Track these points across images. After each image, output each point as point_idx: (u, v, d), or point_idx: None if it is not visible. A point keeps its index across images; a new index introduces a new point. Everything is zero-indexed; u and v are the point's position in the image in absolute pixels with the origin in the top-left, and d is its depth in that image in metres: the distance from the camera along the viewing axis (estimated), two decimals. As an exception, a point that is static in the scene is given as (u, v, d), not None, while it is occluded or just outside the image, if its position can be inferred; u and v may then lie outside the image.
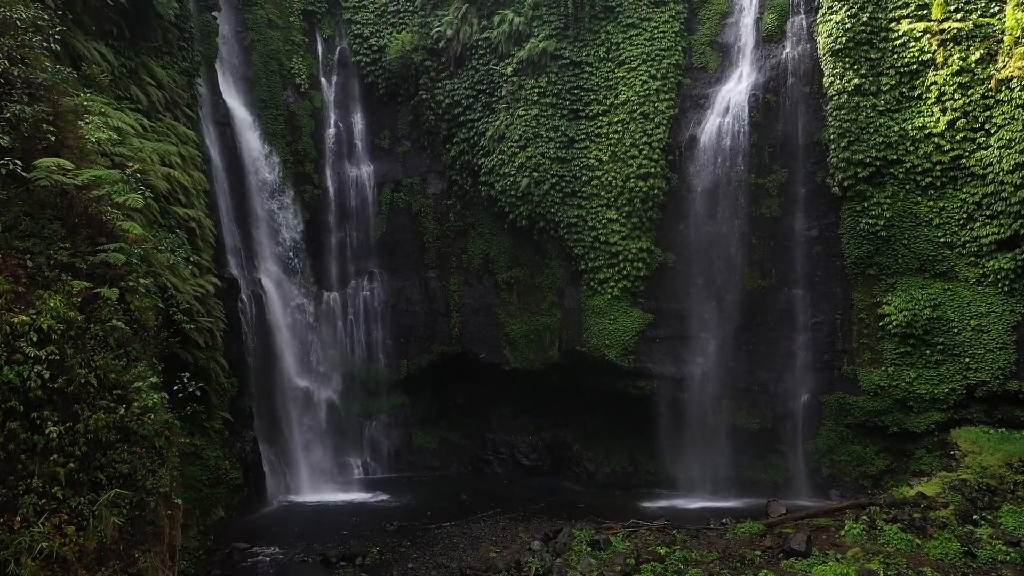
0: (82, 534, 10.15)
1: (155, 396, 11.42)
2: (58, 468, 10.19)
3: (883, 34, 27.98)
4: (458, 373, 35.18)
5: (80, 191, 11.68)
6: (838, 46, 28.33)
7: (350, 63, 36.08)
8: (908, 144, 27.42)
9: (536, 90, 32.31)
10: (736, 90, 30.47)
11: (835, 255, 29.04)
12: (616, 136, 31.37)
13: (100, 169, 12.19)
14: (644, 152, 30.81)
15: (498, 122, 32.86)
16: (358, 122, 36.30)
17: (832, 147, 28.47)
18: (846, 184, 28.21)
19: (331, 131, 35.71)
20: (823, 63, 28.92)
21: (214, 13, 30.84)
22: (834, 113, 28.41)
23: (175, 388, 13.60)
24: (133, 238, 12.82)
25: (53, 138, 11.77)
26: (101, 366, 11.06)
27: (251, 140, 31.70)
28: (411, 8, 35.55)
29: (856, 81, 27.99)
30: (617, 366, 31.13)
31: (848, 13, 28.24)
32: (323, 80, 35.91)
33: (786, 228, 29.74)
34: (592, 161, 31.53)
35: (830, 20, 28.70)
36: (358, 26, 35.86)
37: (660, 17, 31.85)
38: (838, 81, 28.37)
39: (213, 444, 24.80)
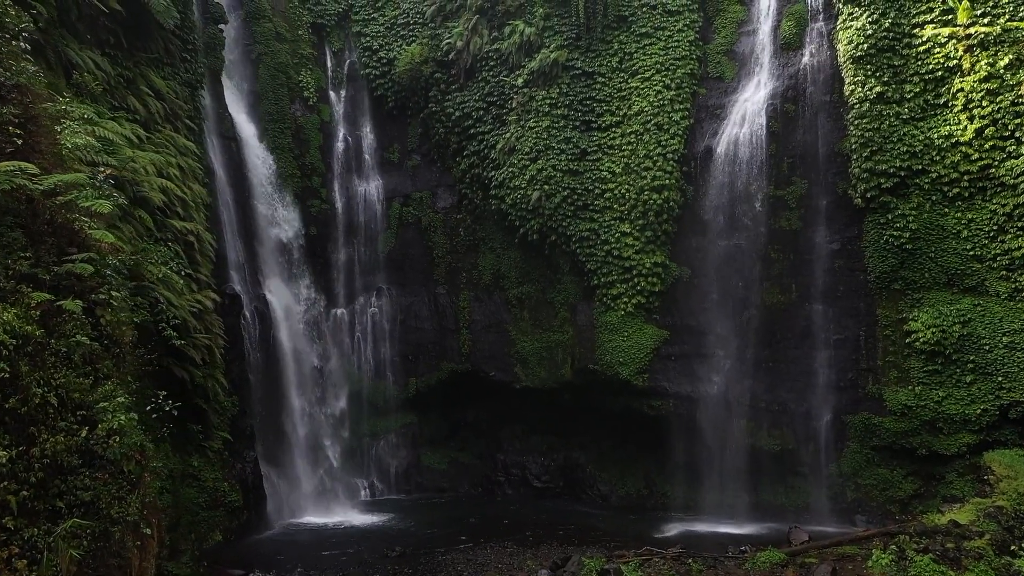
0: (35, 569, 9.30)
1: (122, 417, 10.60)
2: (9, 496, 9.36)
3: (906, 40, 26.97)
4: (468, 391, 34.24)
5: (46, 197, 10.95)
6: (859, 53, 27.36)
7: (359, 76, 35.57)
8: (934, 153, 26.32)
9: (547, 101, 31.56)
10: (753, 99, 29.53)
11: (858, 269, 27.88)
12: (629, 148, 30.50)
13: (67, 174, 11.47)
14: (658, 164, 29.90)
15: (508, 134, 32.12)
16: (367, 135, 35.72)
17: (854, 157, 27.43)
18: (869, 195, 27.12)
19: (340, 145, 35.15)
20: (844, 71, 27.96)
21: (220, 26, 30.46)
22: (856, 122, 27.39)
23: (151, 407, 12.72)
24: (106, 247, 12.06)
25: (20, 142, 11.06)
26: (63, 384, 10.27)
27: (257, 154, 31.16)
28: (421, 20, 35.04)
29: (878, 89, 26.98)
30: (631, 385, 30.07)
31: (869, 19, 27.29)
32: (332, 93, 35.41)
33: (806, 241, 28.64)
34: (605, 173, 30.67)
35: (851, 26, 27.76)
36: (367, 39, 35.38)
37: (674, 26, 31.04)
38: (860, 89, 27.38)
39: (212, 465, 24.05)
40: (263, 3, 33.44)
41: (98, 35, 20.79)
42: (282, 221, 31.76)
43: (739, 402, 29.20)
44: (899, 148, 26.70)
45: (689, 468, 30.25)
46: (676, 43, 30.83)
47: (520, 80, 32.05)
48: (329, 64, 35.56)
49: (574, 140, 31.24)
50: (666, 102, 30.28)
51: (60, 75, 18.77)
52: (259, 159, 31.22)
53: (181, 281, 20.37)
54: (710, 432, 29.67)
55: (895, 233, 26.80)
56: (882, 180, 26.88)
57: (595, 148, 31.08)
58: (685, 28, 30.92)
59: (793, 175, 28.88)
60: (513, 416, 34.20)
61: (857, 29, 27.51)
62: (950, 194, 26.21)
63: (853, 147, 27.49)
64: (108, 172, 12.95)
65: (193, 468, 23.13)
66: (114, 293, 11.71)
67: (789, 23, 29.57)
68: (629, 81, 31.10)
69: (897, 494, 26.95)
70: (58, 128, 12.81)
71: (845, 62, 27.87)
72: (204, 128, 28.00)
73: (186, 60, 26.13)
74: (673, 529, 27.55)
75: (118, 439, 10.51)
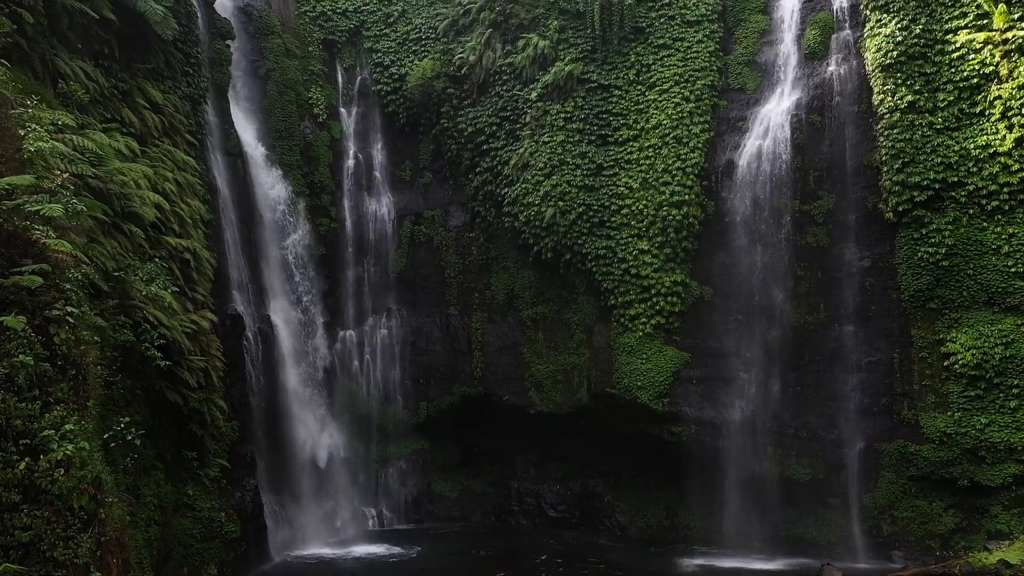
0: (-43, 622, 8.17)
1: (70, 446, 9.48)
2: (-70, 538, 8.27)
3: (938, 47, 25.68)
4: (480, 416, 32.97)
5: (-6, 203, 9.96)
6: (888, 61, 26.11)
7: (371, 93, 34.82)
8: (970, 165, 24.89)
9: (562, 115, 30.53)
10: (777, 111, 28.31)
11: (891, 287, 26.37)
12: (647, 162, 29.34)
13: (15, 176, 10.49)
14: (677, 178, 28.69)
15: (522, 150, 31.09)
16: (378, 153, 34.88)
17: (884, 169, 26.07)
18: (901, 209, 25.70)
19: (350, 162, 34.31)
20: (872, 80, 26.69)
21: (228, 42, 29.84)
22: (886, 133, 26.08)
23: (109, 435, 11.60)
24: (66, 259, 11.03)
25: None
26: (1, 410, 9.17)
27: (264, 171, 30.36)
28: (433, 36, 34.31)
29: (910, 98, 25.66)
30: (650, 409, 28.66)
31: (899, 25, 26.05)
32: (343, 110, 34.66)
33: (835, 258, 27.23)
34: (622, 189, 29.52)
35: (879, 33, 26.53)
36: (379, 55, 34.67)
37: (693, 37, 29.98)
38: (889, 98, 26.09)
39: (208, 494, 22.87)
40: (272, 20, 32.84)
41: (91, 45, 20.07)
42: (289, 240, 30.84)
43: (765, 428, 27.70)
44: (933, 159, 25.31)
45: (712, 498, 28.72)
46: (695, 54, 29.76)
47: (534, 94, 31.08)
48: (340, 80, 34.85)
49: (590, 155, 30.14)
50: (685, 114, 29.15)
51: (48, 85, 18.00)
52: (266, 177, 30.40)
53: (171, 299, 19.36)
54: (734, 460, 28.16)
55: (930, 249, 25.32)
56: (915, 193, 25.46)
57: (611, 163, 29.96)
58: (705, 39, 29.87)
59: (820, 189, 27.54)
60: (527, 442, 32.85)
61: (886, 36, 26.28)
62: (989, 207, 24.72)
63: (883, 159, 26.15)
64: (66, 176, 12.02)
65: (188, 497, 21.96)
66: (71, 309, 10.65)
67: (813, 32, 28.40)
68: (647, 93, 30.02)
69: (937, 528, 25.19)
70: (21, 132, 11.90)
71: (874, 71, 26.62)
72: (208, 144, 27.23)
73: (188, 74, 25.41)
74: (696, 562, 26.11)
75: (64, 471, 9.38)
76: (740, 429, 27.99)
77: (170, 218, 21.43)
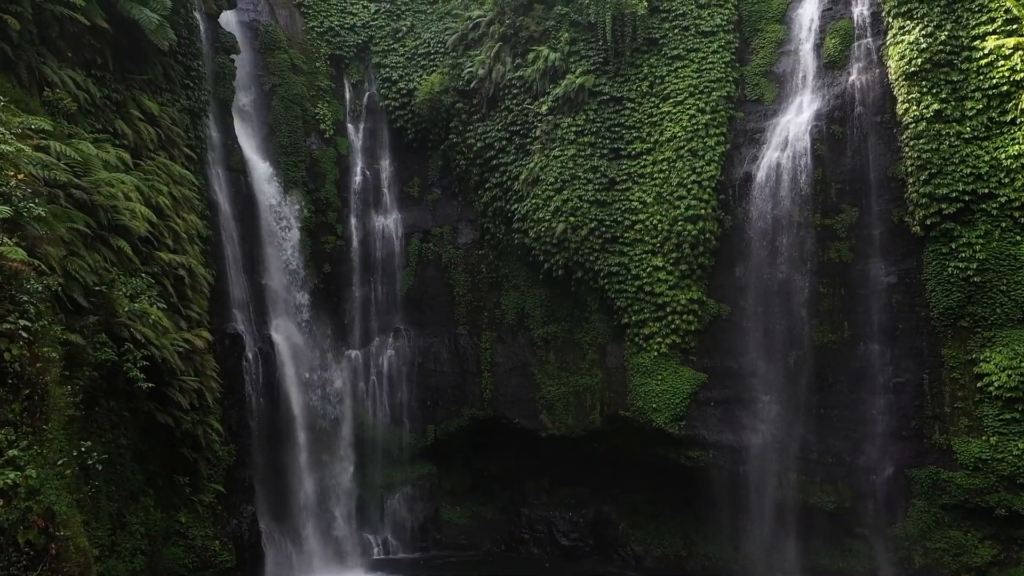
0: None
1: (12, 474, 8.51)
2: None
3: (965, 53, 24.59)
4: (490, 440, 31.86)
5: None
6: (913, 68, 25.06)
7: (378, 108, 34.16)
8: (1002, 175, 23.70)
9: (573, 129, 29.66)
10: (796, 122, 27.30)
11: (919, 305, 25.10)
12: (661, 176, 28.36)
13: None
14: (693, 192, 27.68)
15: (532, 164, 30.23)
16: (386, 169, 34.14)
17: (911, 181, 24.93)
18: (929, 223, 24.51)
19: (357, 179, 33.58)
20: (896, 88, 25.62)
21: (232, 56, 29.29)
22: (911, 143, 24.97)
23: (63, 462, 10.66)
24: (17, 267, 10.13)
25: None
26: (-64, 434, 8.25)
27: (267, 187, 29.67)
28: (442, 50, 33.66)
29: (936, 106, 24.57)
30: (666, 433, 27.46)
31: (923, 32, 25.02)
32: (350, 126, 33.98)
33: (859, 274, 26.03)
34: (635, 203, 28.55)
35: (902, 41, 25.50)
36: (387, 70, 34.05)
37: (708, 47, 29.10)
38: (915, 107, 25.00)
39: (201, 521, 21.85)
40: (279, 34, 32.34)
41: (83, 54, 19.45)
42: (293, 258, 30.05)
43: (787, 453, 26.45)
44: (962, 170, 24.14)
45: (732, 527, 27.47)
46: (711, 65, 28.87)
47: (544, 107, 30.26)
48: (347, 96, 34.23)
49: (602, 169, 29.22)
50: (700, 127, 28.18)
51: (34, 93, 17.34)
52: (270, 193, 29.71)
53: (161, 316, 18.52)
54: (755, 486, 26.92)
55: (960, 264, 24.07)
56: (943, 206, 24.27)
57: (624, 177, 29.02)
58: (720, 49, 28.99)
59: (842, 202, 26.42)
60: (539, 466, 31.67)
61: (910, 43, 25.25)
62: (1023, 220, 23.44)
63: (909, 170, 25.03)
64: (20, 177, 11.19)
65: (180, 525, 20.96)
66: (26, 323, 9.74)
67: (833, 40, 27.42)
68: (660, 106, 29.12)
69: (973, 561, 23.70)
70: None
71: (897, 79, 25.56)
72: (209, 159, 26.58)
73: (188, 87, 24.80)
74: (715, 597, 24.67)
75: (5, 502, 8.42)
76: (761, 454, 26.75)
77: (164, 233, 20.66)
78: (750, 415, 27.14)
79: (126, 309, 15.86)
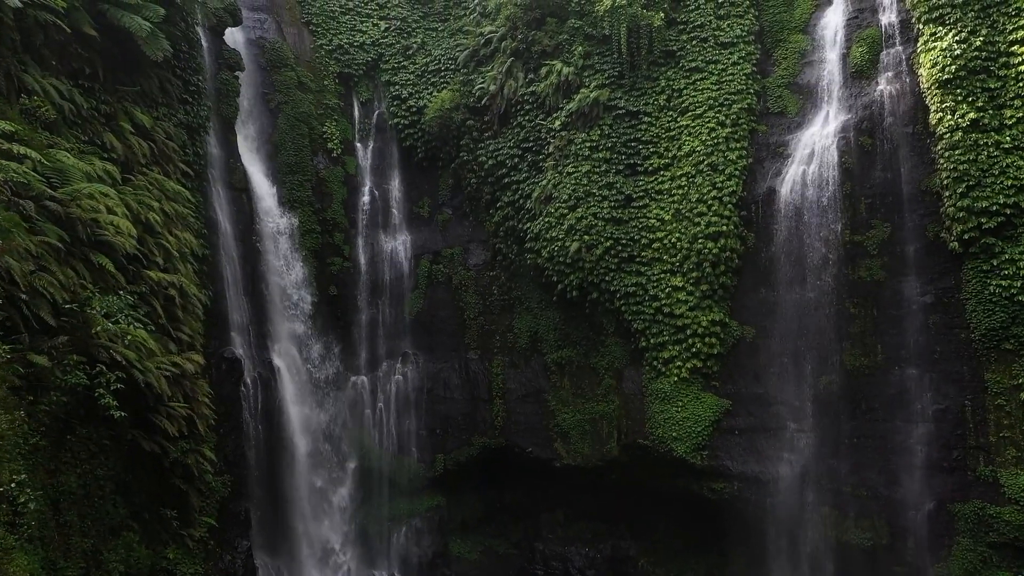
0: None
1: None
2: None
3: (1003, 59, 23.31)
4: (502, 470, 30.44)
5: None
6: (946, 76, 23.74)
7: (388, 127, 33.23)
8: (1046, 186, 22.15)
9: (587, 144, 28.52)
10: (822, 134, 26.00)
11: (958, 326, 23.48)
12: (680, 192, 27.11)
13: None
14: (713, 208, 26.38)
15: (545, 182, 29.09)
16: (395, 188, 33.10)
17: (946, 194, 23.47)
18: (967, 238, 22.98)
19: (365, 199, 32.55)
20: (928, 97, 24.29)
21: (236, 73, 28.55)
22: (946, 154, 23.54)
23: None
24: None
25: None
26: None
27: (270, 207, 28.74)
28: (453, 67, 32.79)
29: (972, 115, 23.18)
30: (688, 463, 25.98)
31: (957, 38, 23.72)
32: (358, 145, 33.05)
33: (892, 294, 24.50)
34: (652, 221, 27.30)
35: (934, 48, 24.21)
36: (397, 87, 33.16)
37: (728, 59, 27.98)
38: (949, 117, 23.61)
39: (191, 557, 20.53)
40: (286, 52, 31.60)
41: (70, 64, 18.63)
42: (297, 280, 28.98)
43: (819, 486, 24.90)
44: (1002, 182, 22.70)
45: (760, 564, 25.92)
46: (731, 76, 27.75)
47: (557, 123, 29.19)
48: (356, 115, 33.35)
49: (617, 185, 28.01)
50: (720, 140, 26.96)
51: (13, 101, 16.43)
52: (273, 212, 28.76)
53: (147, 337, 17.41)
54: (784, 521, 25.37)
55: (1003, 282, 22.51)
56: (983, 220, 22.77)
57: (641, 193, 27.80)
58: (740, 61, 27.88)
59: (873, 217, 24.97)
60: (553, 498, 30.18)
61: (942, 50, 23.94)
62: (1070, 234, 21.89)
63: (944, 183, 23.58)
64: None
65: (167, 561, 19.63)
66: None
67: (860, 49, 26.16)
68: (678, 119, 27.96)
69: (1025, 604, 21.82)
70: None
71: (930, 88, 24.22)
72: (209, 176, 25.74)
73: (187, 102, 24.00)
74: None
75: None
76: (790, 486, 25.20)
77: (154, 250, 19.66)
78: (777, 444, 25.57)
79: (103, 329, 14.70)
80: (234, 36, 29.65)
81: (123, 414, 15.06)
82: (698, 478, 26.56)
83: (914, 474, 23.66)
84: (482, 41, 32.11)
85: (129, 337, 15.29)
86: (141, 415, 18.31)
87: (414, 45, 33.70)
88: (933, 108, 24.12)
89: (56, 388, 13.80)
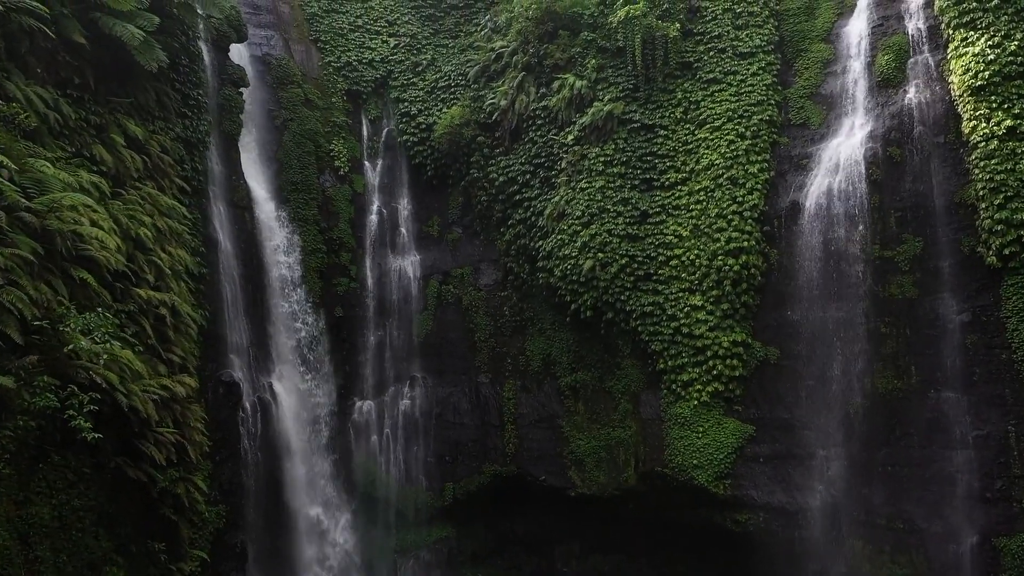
0: None
1: None
2: None
3: (1040, 63, 21.94)
4: (514, 499, 29.08)
5: None
6: (980, 83, 22.54)
7: (397, 144, 32.42)
8: (1091, 196, 20.76)
9: (601, 159, 27.50)
10: (848, 144, 24.83)
11: (998, 346, 21.98)
12: (698, 207, 25.98)
13: None
14: (734, 223, 25.19)
15: (557, 198, 28.06)
16: (404, 207, 32.17)
17: (983, 207, 22.12)
18: (1007, 252, 21.60)
19: (373, 218, 31.65)
20: (960, 105, 23.05)
21: (241, 89, 27.87)
22: (982, 164, 22.25)
23: None
24: None
25: None
26: None
27: (274, 225, 27.91)
28: (463, 83, 32.01)
29: (1009, 123, 21.94)
30: (710, 493, 24.57)
31: (990, 43, 22.57)
32: (367, 163, 32.23)
33: (926, 312, 23.10)
34: (670, 237, 26.16)
35: (965, 53, 23.03)
36: (406, 104, 32.40)
37: (747, 70, 26.99)
38: (984, 125, 22.36)
39: (181, 593, 19.36)
40: (292, 69, 30.96)
41: (58, 72, 17.89)
42: (301, 300, 28.01)
43: (851, 517, 23.30)
44: (1043, 192, 21.27)
45: (789, 602, 24.00)
46: (750, 87, 26.73)
47: (570, 137, 28.22)
48: (365, 132, 32.57)
49: (633, 201, 26.93)
50: (740, 153, 25.85)
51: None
52: (277, 232, 27.91)
53: (134, 358, 16.41)
54: (814, 556, 23.83)
55: (1047, 299, 21.02)
56: (1023, 232, 21.32)
57: (658, 209, 26.71)
58: (760, 71, 26.90)
59: (903, 231, 23.65)
60: (568, 529, 28.78)
61: (975, 56, 22.75)
62: (1119, 246, 20.44)
63: (980, 194, 22.24)
64: None
65: (154, 598, 18.52)
66: None
67: (886, 57, 25.03)
68: (696, 132, 26.92)
69: (1080, 649, 20.07)
70: None
71: (962, 95, 22.98)
72: (209, 193, 24.94)
73: (186, 116, 23.24)
74: None
75: None
76: (820, 518, 23.62)
77: (144, 267, 18.73)
78: (805, 473, 24.06)
79: (81, 348, 13.67)
80: (240, 52, 29.05)
81: (98, 436, 13.96)
82: (721, 509, 25.08)
83: (954, 505, 22.02)
84: (493, 56, 31.33)
85: (105, 357, 14.23)
86: (127, 441, 17.30)
87: (424, 61, 33.02)
88: (966, 116, 22.87)
89: (24, 412, 12.76)
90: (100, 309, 14.76)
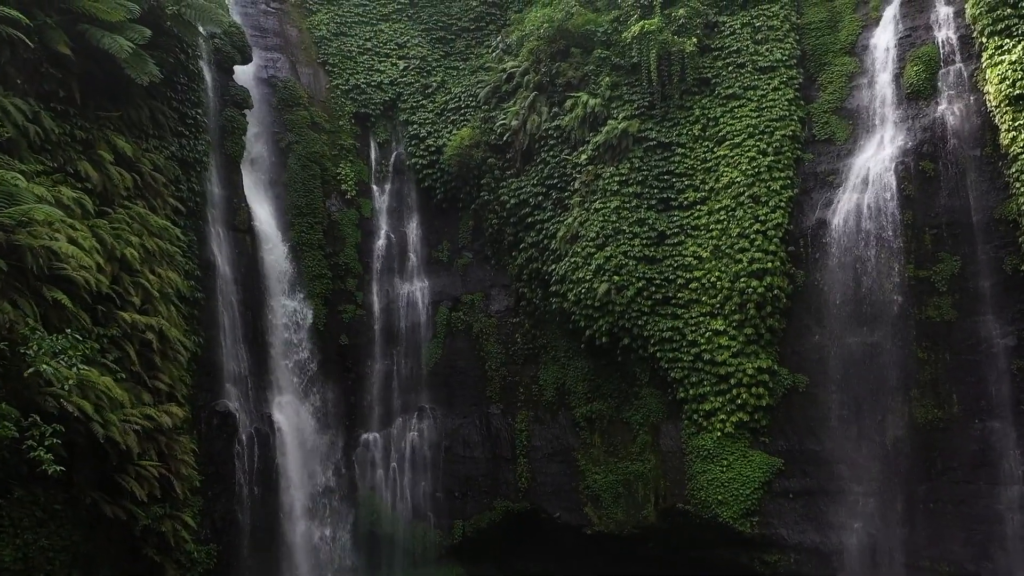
0: None
1: None
2: None
3: (1082, 70, 20.61)
4: (527, 537, 27.50)
5: None
6: (1018, 92, 21.28)
7: (406, 168, 31.51)
8: None
9: (616, 179, 26.35)
10: (877, 159, 23.52)
11: (1048, 372, 20.33)
12: (719, 227, 24.70)
13: None
14: (757, 243, 23.85)
15: (571, 220, 26.87)
16: (413, 232, 31.13)
17: (1024, 222, 20.61)
18: (1054, 271, 20.03)
19: (380, 243, 30.61)
20: (998, 116, 21.74)
21: (244, 111, 27.17)
22: (1022, 178, 20.73)
23: None
24: None
25: None
26: None
27: (276, 250, 26.93)
28: (473, 104, 31.12)
29: (1051, 133, 20.46)
30: (735, 531, 22.90)
31: (1027, 49, 21.18)
32: (375, 187, 31.31)
33: (967, 335, 21.54)
34: (689, 259, 24.87)
35: (1001, 61, 21.80)
36: (415, 127, 31.53)
37: (768, 84, 25.86)
38: (1023, 136, 20.89)
39: (164, 641, 17.99)
40: (299, 92, 30.25)
41: (41, 85, 17.09)
42: (304, 328, 26.91)
43: (891, 559, 21.48)
44: (1091, 205, 19.79)
45: (824, 652, 22.17)
46: (772, 102, 25.57)
47: (584, 157, 27.13)
48: (373, 156, 31.70)
49: (649, 222, 25.70)
50: (763, 169, 24.60)
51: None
52: (279, 257, 26.93)
53: (113, 385, 15.29)
54: (852, 602, 21.77)
55: (1100, 320, 19.42)
56: (1071, 249, 19.86)
57: (676, 230, 25.45)
58: (782, 86, 25.78)
59: (940, 250, 22.18)
60: (584, 569, 27.11)
61: (1011, 63, 21.52)
62: None
63: (1022, 210, 20.71)
64: None
65: (134, 646, 17.18)
66: None
67: (916, 68, 23.80)
68: (715, 150, 25.75)
69: None
70: None
71: (999, 105, 21.69)
72: (209, 216, 24.06)
73: (183, 135, 22.43)
74: None
75: None
76: (857, 559, 21.84)
77: (129, 289, 17.68)
78: (839, 510, 22.36)
79: (45, 373, 12.54)
80: (245, 73, 28.43)
81: (60, 469, 12.73)
82: (748, 548, 23.38)
83: (1006, 546, 20.17)
84: (504, 76, 30.45)
85: (71, 382, 13.08)
86: (105, 475, 16.12)
87: (434, 83, 32.24)
88: (1004, 127, 21.51)
89: (-22, 442, 11.62)
90: (69, 331, 13.64)
